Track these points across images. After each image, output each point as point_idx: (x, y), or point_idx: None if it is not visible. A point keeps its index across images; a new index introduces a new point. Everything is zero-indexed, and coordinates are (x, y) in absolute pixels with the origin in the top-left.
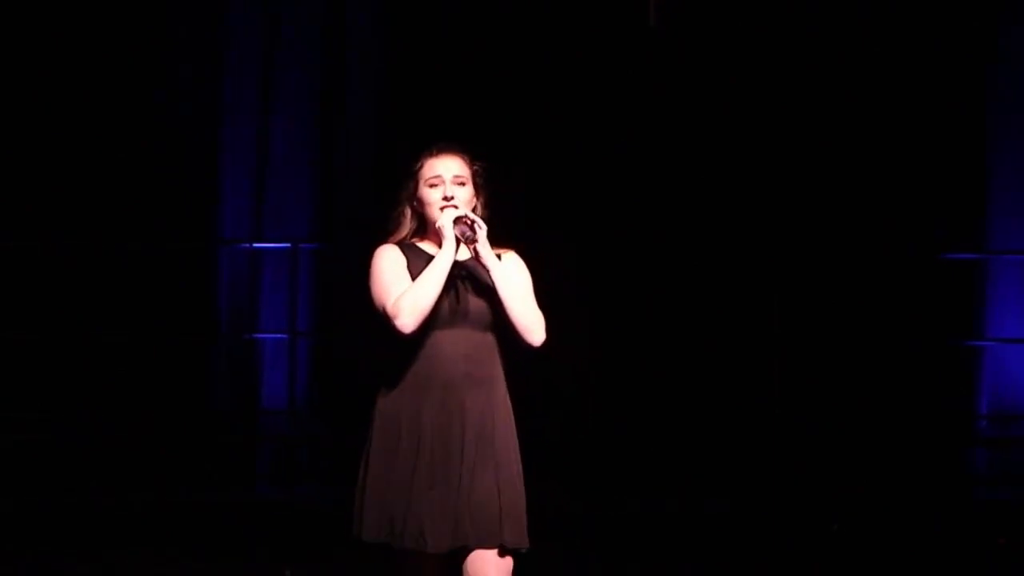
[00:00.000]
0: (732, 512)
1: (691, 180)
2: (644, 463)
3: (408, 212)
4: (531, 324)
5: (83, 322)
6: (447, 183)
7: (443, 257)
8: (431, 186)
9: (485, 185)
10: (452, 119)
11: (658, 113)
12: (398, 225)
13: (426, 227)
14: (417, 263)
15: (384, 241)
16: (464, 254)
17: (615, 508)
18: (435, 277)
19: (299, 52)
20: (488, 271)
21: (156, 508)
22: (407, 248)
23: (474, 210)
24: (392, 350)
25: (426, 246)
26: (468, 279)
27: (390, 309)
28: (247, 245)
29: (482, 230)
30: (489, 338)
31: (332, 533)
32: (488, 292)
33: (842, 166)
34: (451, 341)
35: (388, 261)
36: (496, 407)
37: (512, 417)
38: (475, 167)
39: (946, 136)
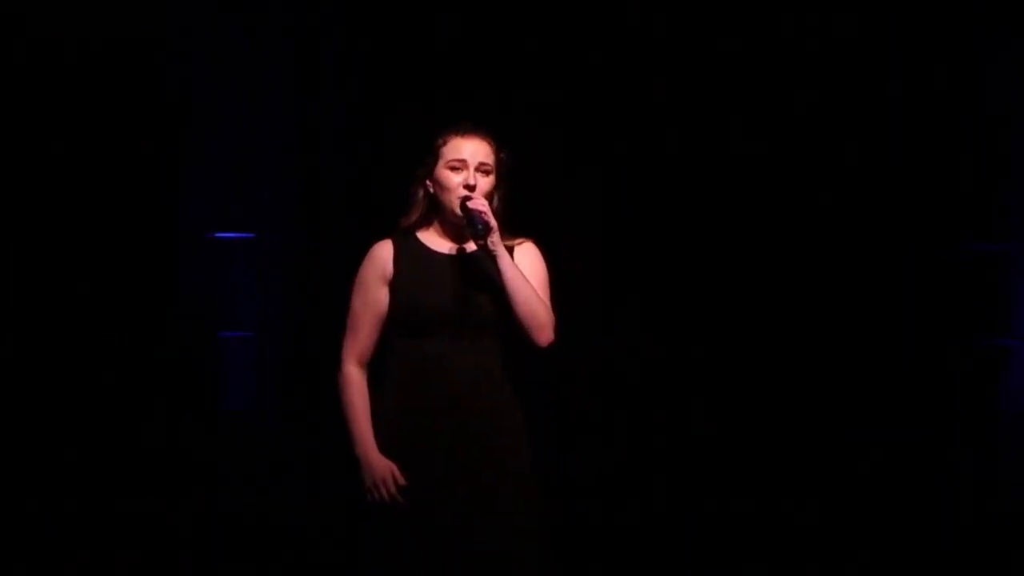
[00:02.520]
0: (763, 512)
1: (717, 171)
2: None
3: (421, 193)
4: (539, 323)
5: (30, 319)
6: (470, 169)
7: None
8: (452, 168)
9: (507, 176)
10: (433, 100)
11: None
12: (410, 206)
13: (438, 210)
14: (414, 263)
15: (388, 230)
16: (471, 244)
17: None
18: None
19: (270, 29)
20: (496, 267)
21: (109, 517)
22: (407, 242)
23: (491, 202)
24: (386, 360)
25: (430, 240)
26: (473, 275)
27: (343, 353)
28: (210, 235)
29: (493, 232)
30: (495, 342)
31: (302, 545)
32: (495, 290)
33: (860, 158)
34: (453, 349)
35: (362, 292)
36: (506, 425)
37: (524, 435)
38: (502, 154)
39: (968, 125)
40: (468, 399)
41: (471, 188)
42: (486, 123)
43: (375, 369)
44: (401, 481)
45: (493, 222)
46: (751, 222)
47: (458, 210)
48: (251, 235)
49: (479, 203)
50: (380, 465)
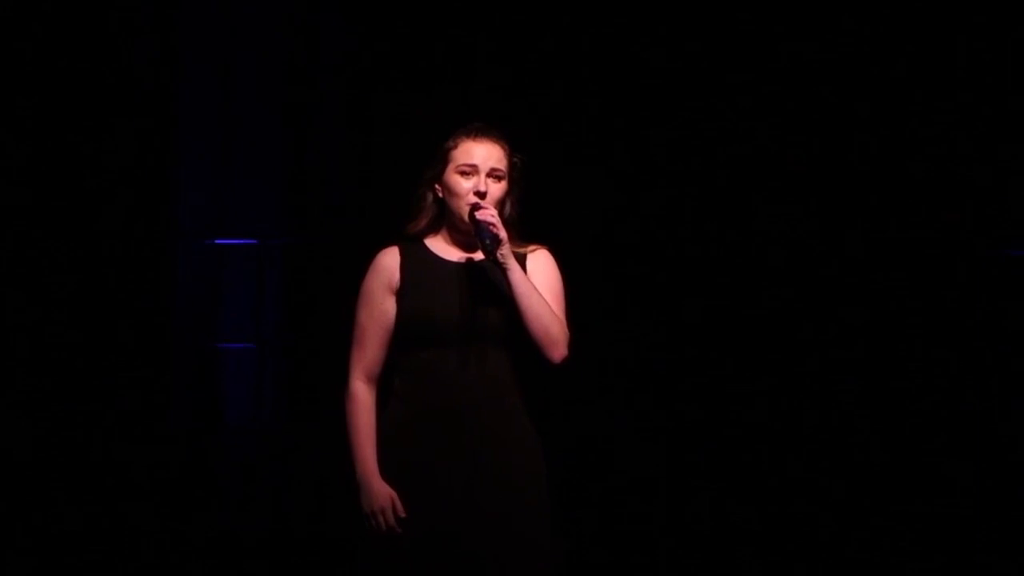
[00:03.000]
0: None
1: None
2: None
3: (430, 197)
4: (552, 339)
5: (17, 330)
6: (481, 175)
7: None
8: (462, 173)
9: (520, 180)
10: (445, 98)
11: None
12: (418, 211)
13: (446, 215)
14: (421, 271)
15: (395, 236)
16: (479, 254)
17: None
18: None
19: (265, 29)
20: (506, 280)
21: (102, 539)
22: (415, 249)
23: (503, 209)
24: (392, 374)
25: (439, 247)
26: (484, 285)
27: (349, 369)
28: (208, 241)
29: (503, 244)
30: (506, 356)
31: (303, 570)
32: (506, 301)
33: (904, 158)
34: (461, 362)
35: (368, 303)
36: (519, 445)
37: (539, 454)
38: (515, 159)
39: (1006, 124)
40: (477, 416)
41: (481, 196)
42: (499, 123)
43: (386, 384)
44: (401, 512)
45: (503, 234)
46: (805, 226)
47: (467, 218)
48: (252, 241)
49: (488, 213)
50: (381, 493)
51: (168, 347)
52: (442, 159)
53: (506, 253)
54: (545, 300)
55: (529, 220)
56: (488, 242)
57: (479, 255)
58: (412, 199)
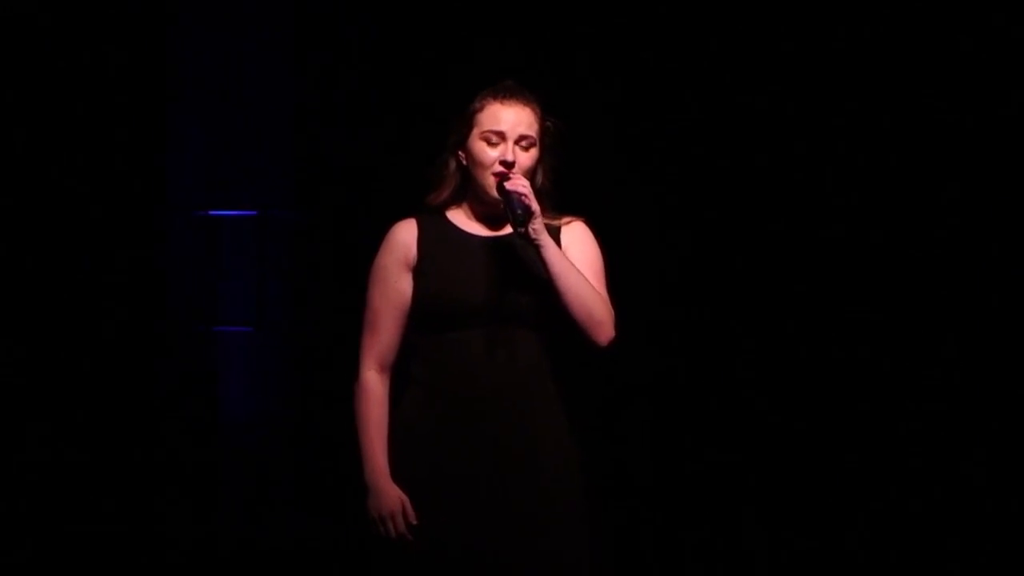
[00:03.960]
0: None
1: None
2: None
3: (453, 165)
4: (598, 319)
5: None
6: (509, 142)
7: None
8: (487, 141)
9: (552, 148)
10: (467, 54)
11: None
12: (440, 180)
13: (470, 187)
14: (442, 246)
15: (414, 207)
16: (506, 227)
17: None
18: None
19: None
20: (541, 257)
21: (90, 546)
22: (435, 222)
23: (534, 179)
24: (409, 358)
25: (462, 220)
26: (512, 262)
27: (361, 356)
28: (202, 212)
29: (535, 218)
30: (537, 341)
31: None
32: (536, 279)
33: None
34: (486, 347)
35: (381, 282)
36: (551, 440)
37: (572, 445)
38: (548, 123)
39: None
40: (504, 407)
41: (509, 165)
42: (528, 83)
43: (402, 371)
44: (412, 519)
45: (535, 206)
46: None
47: (493, 190)
48: (251, 212)
49: (519, 183)
50: (391, 497)
51: (159, 331)
52: (467, 123)
53: (539, 228)
54: (585, 277)
55: (566, 192)
56: (520, 212)
57: (507, 230)
58: (433, 166)
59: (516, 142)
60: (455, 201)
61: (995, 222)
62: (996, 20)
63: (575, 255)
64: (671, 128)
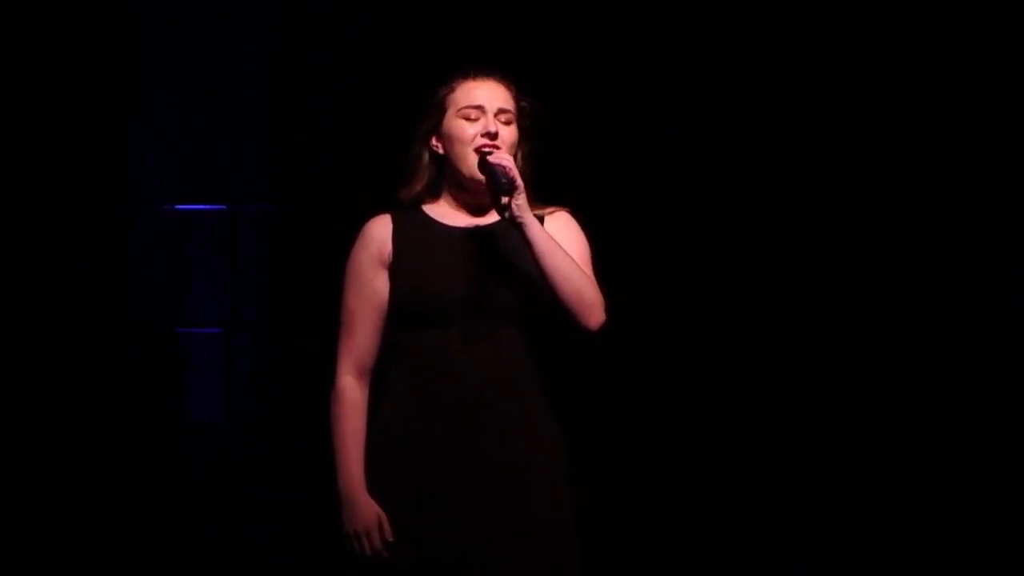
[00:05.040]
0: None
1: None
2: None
3: (426, 155)
4: (588, 302)
5: None
6: (489, 115)
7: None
8: (466, 118)
9: (532, 129)
10: (443, 44)
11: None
12: (412, 173)
13: (448, 176)
14: (419, 240)
15: (388, 202)
16: (490, 216)
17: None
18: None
19: None
20: (525, 237)
21: (51, 552)
22: (410, 216)
23: (514, 161)
24: (387, 355)
25: (439, 212)
26: (493, 254)
27: (337, 360)
28: (170, 207)
29: (519, 190)
30: (521, 335)
31: None
32: (520, 270)
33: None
34: (467, 343)
35: (356, 281)
36: (537, 441)
37: (561, 450)
38: (523, 103)
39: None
40: (488, 406)
41: (492, 137)
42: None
43: (381, 373)
44: (388, 536)
45: (520, 182)
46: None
47: (475, 169)
48: (221, 207)
49: (502, 157)
50: (367, 512)
51: (123, 332)
52: (439, 107)
53: (523, 204)
54: (572, 258)
55: (552, 186)
56: (505, 182)
57: (487, 219)
58: (405, 160)
59: (495, 116)
60: (430, 195)
61: (995, 222)
62: (996, 20)
63: (561, 242)
64: (665, 124)
